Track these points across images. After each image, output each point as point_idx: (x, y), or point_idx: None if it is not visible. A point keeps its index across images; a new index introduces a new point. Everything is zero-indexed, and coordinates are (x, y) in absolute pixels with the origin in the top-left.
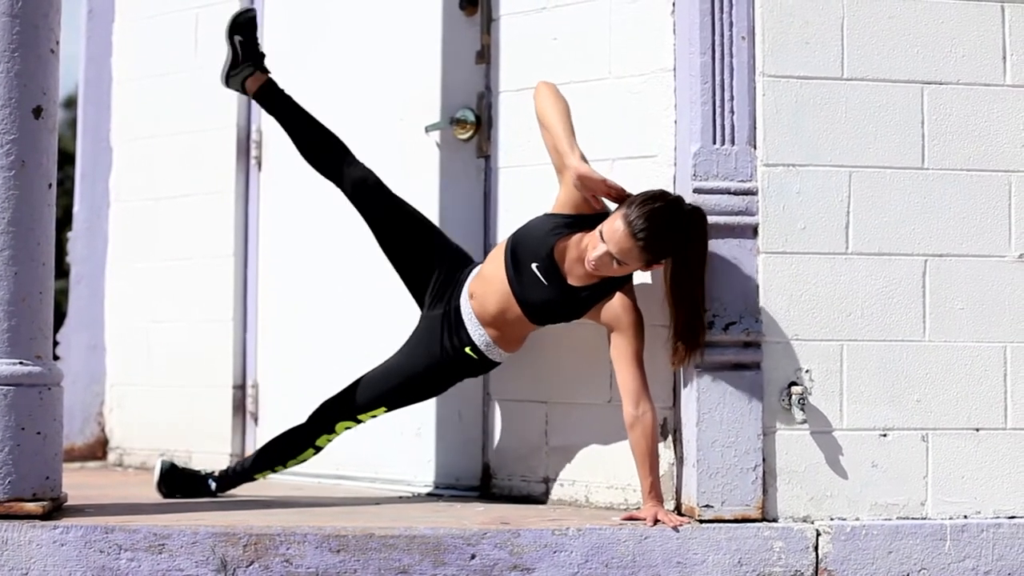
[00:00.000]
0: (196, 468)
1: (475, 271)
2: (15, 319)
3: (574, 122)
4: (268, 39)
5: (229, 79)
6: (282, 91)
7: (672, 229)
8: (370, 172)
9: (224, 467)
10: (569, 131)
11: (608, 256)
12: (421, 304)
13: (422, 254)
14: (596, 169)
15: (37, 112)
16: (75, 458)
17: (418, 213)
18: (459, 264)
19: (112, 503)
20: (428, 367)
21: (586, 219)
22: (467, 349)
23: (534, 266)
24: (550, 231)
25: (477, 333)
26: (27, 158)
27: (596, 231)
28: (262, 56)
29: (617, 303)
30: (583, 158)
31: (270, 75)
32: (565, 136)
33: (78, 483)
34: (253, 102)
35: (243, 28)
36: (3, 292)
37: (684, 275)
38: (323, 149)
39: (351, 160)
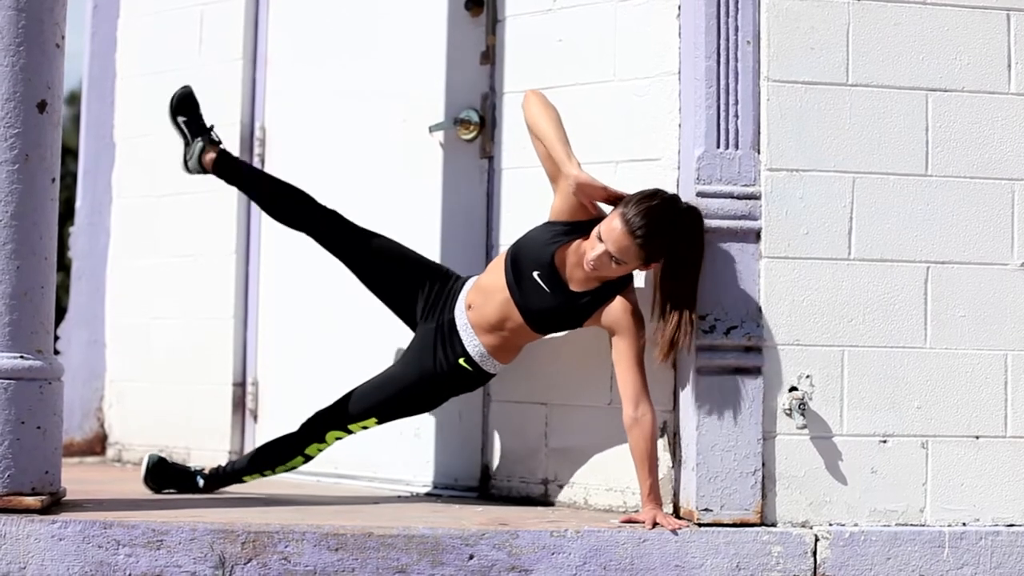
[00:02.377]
0: (186, 464)
1: (470, 283)
2: (16, 313)
3: (579, 124)
4: (272, 38)
5: (187, 163)
6: (237, 159)
7: (669, 226)
8: (335, 214)
9: (215, 465)
10: (563, 139)
11: (607, 256)
12: (413, 324)
13: (405, 280)
14: (599, 172)
15: (41, 106)
16: (74, 453)
17: (391, 242)
18: (444, 278)
19: (111, 498)
20: (421, 380)
21: (583, 225)
22: (461, 360)
23: (535, 274)
24: (550, 240)
25: (472, 344)
26: (31, 152)
27: (593, 232)
28: (210, 128)
29: (618, 306)
30: (579, 165)
31: (221, 145)
32: (560, 145)
33: (77, 478)
34: (256, 99)
35: (183, 106)
36: (5, 286)
37: (677, 273)
38: (287, 203)
39: (316, 207)
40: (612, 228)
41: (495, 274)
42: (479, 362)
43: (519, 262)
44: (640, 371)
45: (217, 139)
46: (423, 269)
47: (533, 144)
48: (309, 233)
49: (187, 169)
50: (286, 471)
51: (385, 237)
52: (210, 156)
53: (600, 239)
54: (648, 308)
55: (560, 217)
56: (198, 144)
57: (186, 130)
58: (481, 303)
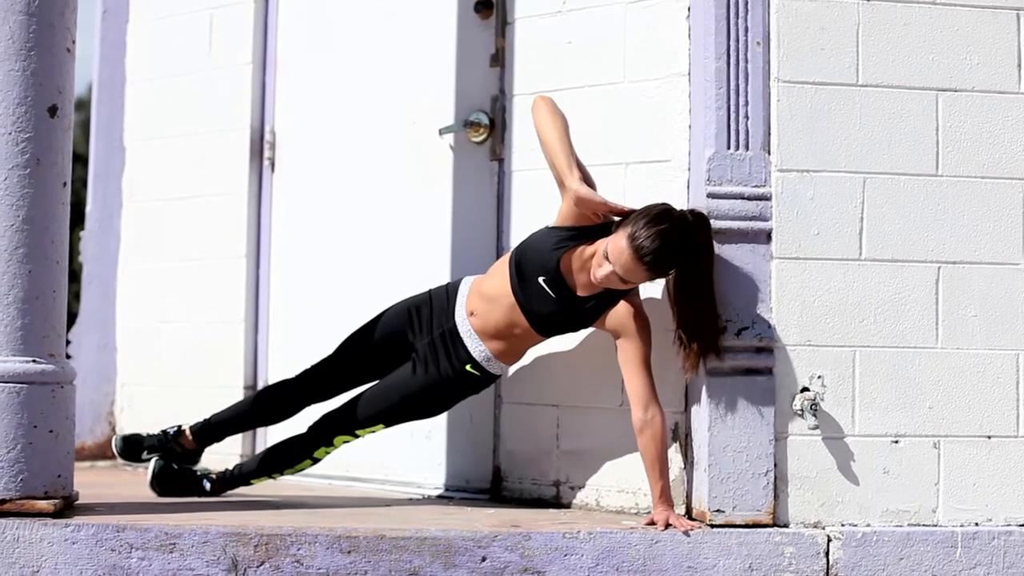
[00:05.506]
0: (193, 468)
1: (465, 287)
2: (29, 317)
3: (589, 126)
4: (282, 42)
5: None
6: (209, 420)
7: (678, 248)
8: (308, 372)
9: (222, 469)
10: (567, 150)
11: (614, 275)
12: (409, 350)
13: (397, 345)
14: (609, 174)
15: (52, 111)
16: (85, 457)
17: (362, 333)
18: (426, 301)
19: (123, 502)
20: (428, 387)
21: (589, 231)
22: (468, 367)
23: (541, 280)
24: (555, 245)
25: (478, 349)
26: (42, 157)
27: (601, 249)
28: (168, 440)
29: (622, 309)
30: (583, 177)
31: (185, 428)
32: (564, 156)
33: (89, 482)
34: (266, 103)
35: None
36: (17, 290)
37: (692, 284)
38: (277, 403)
39: (292, 385)
40: (620, 251)
41: (499, 279)
42: (485, 366)
43: (523, 267)
44: (647, 373)
45: (174, 434)
46: (400, 321)
47: (542, 150)
48: (313, 402)
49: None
50: (294, 473)
51: (352, 337)
52: (190, 441)
53: (607, 258)
54: (662, 314)
55: (566, 222)
56: (171, 445)
57: (156, 455)
58: (485, 310)
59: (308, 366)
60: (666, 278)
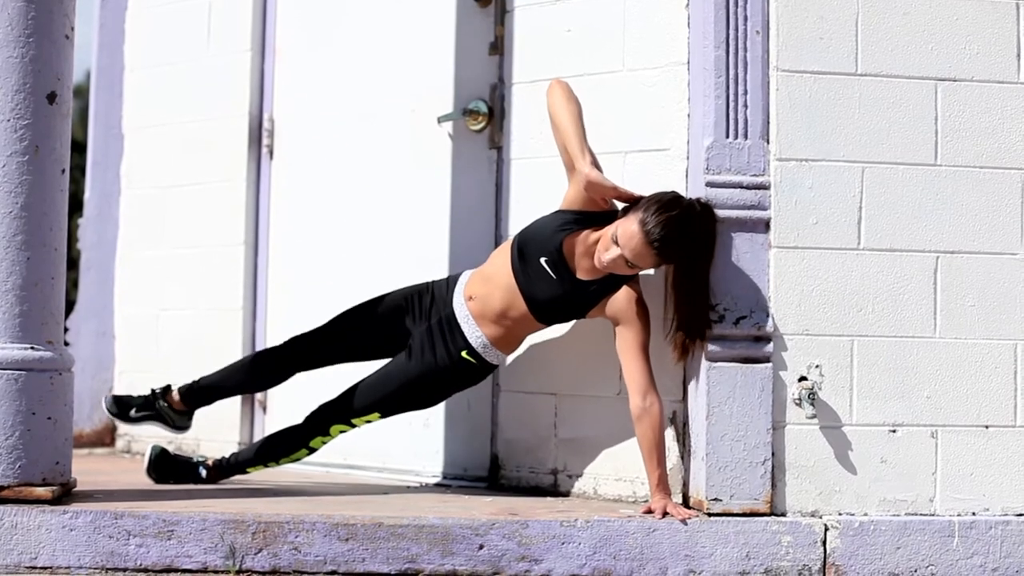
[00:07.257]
0: (190, 455)
1: (465, 276)
2: (27, 304)
3: (588, 115)
4: (281, 30)
5: (173, 424)
6: (197, 382)
7: (686, 235)
8: (295, 339)
9: (219, 456)
10: (580, 134)
11: (622, 259)
12: (407, 338)
13: (392, 326)
14: (608, 162)
15: (51, 97)
16: (83, 444)
17: (358, 309)
18: (424, 290)
19: (121, 489)
20: (423, 375)
21: (595, 216)
22: (464, 353)
23: (543, 260)
24: (559, 227)
25: (474, 335)
26: (41, 143)
27: (609, 233)
28: (155, 394)
29: (622, 296)
30: (594, 162)
31: (173, 388)
32: (576, 139)
33: (87, 469)
34: (265, 91)
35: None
36: (15, 277)
37: (690, 272)
38: (265, 368)
39: (279, 352)
40: (630, 234)
41: (500, 260)
42: (482, 353)
43: (526, 248)
44: (646, 361)
45: (167, 389)
46: (400, 304)
47: (553, 134)
48: (301, 369)
49: (175, 428)
50: (290, 462)
51: (349, 312)
52: (176, 400)
53: (616, 242)
54: (655, 301)
55: (572, 206)
56: (160, 403)
57: (146, 412)
58: (484, 293)
59: (300, 332)
60: (668, 265)
